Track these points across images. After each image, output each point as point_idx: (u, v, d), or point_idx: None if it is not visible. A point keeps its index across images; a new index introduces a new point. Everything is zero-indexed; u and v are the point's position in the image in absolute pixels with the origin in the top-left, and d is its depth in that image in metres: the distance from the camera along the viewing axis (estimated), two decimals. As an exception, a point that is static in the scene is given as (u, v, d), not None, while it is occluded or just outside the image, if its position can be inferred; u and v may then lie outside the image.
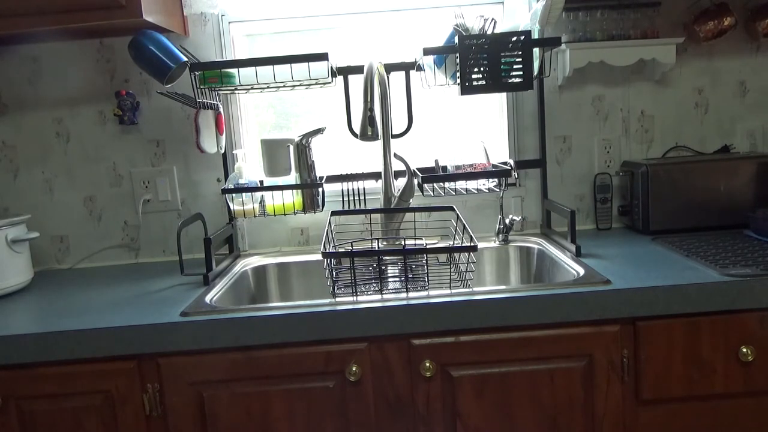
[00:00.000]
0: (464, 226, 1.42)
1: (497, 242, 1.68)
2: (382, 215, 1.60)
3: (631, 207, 1.66)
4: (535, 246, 1.64)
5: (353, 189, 1.72)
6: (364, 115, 1.35)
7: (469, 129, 1.81)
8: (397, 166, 1.63)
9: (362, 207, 1.72)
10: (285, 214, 1.61)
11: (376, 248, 1.45)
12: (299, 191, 1.61)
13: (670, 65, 1.63)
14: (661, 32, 1.65)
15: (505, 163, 1.60)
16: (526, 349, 1.19)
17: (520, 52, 1.42)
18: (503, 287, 1.23)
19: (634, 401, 1.23)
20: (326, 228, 1.40)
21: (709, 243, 1.45)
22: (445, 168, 1.69)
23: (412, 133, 1.70)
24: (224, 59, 1.67)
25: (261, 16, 1.69)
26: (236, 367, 1.19)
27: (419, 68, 1.63)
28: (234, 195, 1.60)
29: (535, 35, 1.48)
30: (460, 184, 1.60)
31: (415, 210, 1.58)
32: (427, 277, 1.35)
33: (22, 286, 1.52)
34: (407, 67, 1.65)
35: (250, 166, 1.76)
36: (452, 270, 1.45)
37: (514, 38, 1.41)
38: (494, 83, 1.43)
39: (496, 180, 1.60)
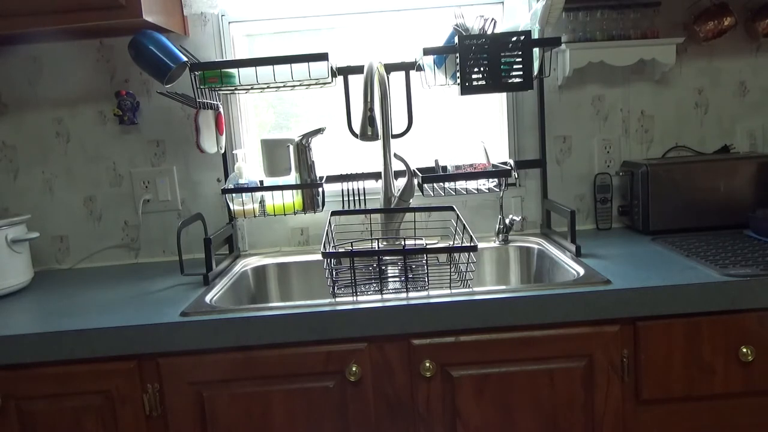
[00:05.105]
0: (464, 226, 1.42)
1: (497, 242, 1.68)
2: (382, 215, 1.60)
3: (631, 207, 1.66)
4: (535, 246, 1.64)
5: (353, 189, 1.72)
6: (364, 115, 1.35)
7: (469, 129, 1.81)
8: (397, 166, 1.63)
9: (362, 207, 1.72)
10: (285, 214, 1.61)
11: (376, 248, 1.45)
12: (299, 191, 1.61)
13: (670, 65, 1.63)
14: (661, 32, 1.65)
15: (505, 163, 1.60)
16: (526, 349, 1.19)
17: (520, 52, 1.42)
18: (503, 287, 1.23)
19: (634, 401, 1.22)
20: (326, 228, 1.40)
21: (709, 243, 1.45)
22: (445, 168, 1.69)
23: (412, 133, 1.70)
24: (224, 59, 1.67)
25: (261, 16, 1.69)
26: (236, 367, 1.19)
27: (419, 68, 1.63)
28: (234, 195, 1.60)
29: (535, 35, 1.48)
30: (460, 184, 1.60)
31: (415, 210, 1.58)
32: (427, 277, 1.34)
33: (22, 286, 1.52)
34: (407, 67, 1.65)
35: (250, 166, 1.76)
36: (452, 270, 1.45)
37: (514, 38, 1.41)
38: (494, 83, 1.43)
39: (496, 180, 1.60)
